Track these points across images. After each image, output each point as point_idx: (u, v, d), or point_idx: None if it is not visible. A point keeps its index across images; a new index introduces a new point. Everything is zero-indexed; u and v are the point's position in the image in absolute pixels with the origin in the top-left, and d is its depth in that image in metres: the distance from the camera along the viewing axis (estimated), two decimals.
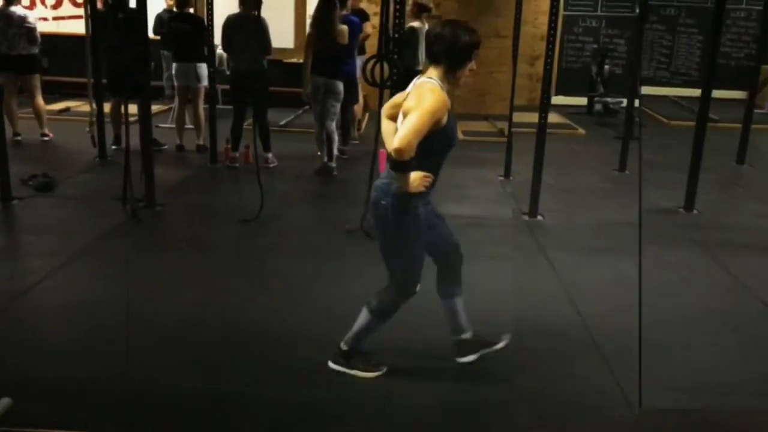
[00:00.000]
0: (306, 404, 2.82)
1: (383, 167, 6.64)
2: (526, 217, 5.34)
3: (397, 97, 2.91)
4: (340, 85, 6.57)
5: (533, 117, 9.59)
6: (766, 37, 6.92)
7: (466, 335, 3.07)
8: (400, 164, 2.62)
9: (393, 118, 2.90)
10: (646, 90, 10.81)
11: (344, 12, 6.90)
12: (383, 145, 3.05)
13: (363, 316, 2.99)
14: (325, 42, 6.44)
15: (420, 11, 7.56)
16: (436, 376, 3.04)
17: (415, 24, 7.53)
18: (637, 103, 6.91)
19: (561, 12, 10.99)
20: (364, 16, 8.31)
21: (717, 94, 10.72)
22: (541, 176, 5.31)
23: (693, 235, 4.79)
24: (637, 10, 10.82)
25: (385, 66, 5.10)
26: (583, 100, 10.65)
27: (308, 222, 5.36)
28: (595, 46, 10.95)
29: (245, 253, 4.59)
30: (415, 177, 2.68)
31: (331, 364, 3.05)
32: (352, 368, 3.01)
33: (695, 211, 5.29)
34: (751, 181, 6.44)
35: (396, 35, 4.97)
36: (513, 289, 4.01)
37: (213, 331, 3.43)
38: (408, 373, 3.04)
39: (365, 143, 7.72)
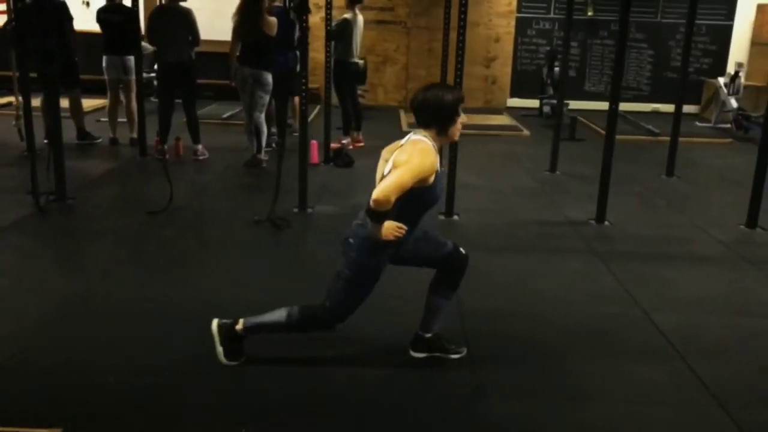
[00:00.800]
0: (178, 392, 2.78)
1: (315, 157, 6.76)
2: (441, 216, 5.31)
3: (395, 144, 2.93)
4: (268, 77, 6.52)
5: (486, 119, 9.77)
6: (689, 52, 6.91)
7: (429, 335, 3.08)
8: (376, 214, 2.68)
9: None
10: (595, 105, 10.83)
11: (276, 3, 6.86)
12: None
13: (277, 315, 2.95)
14: (252, 32, 6.39)
15: (352, 2, 7.52)
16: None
17: (348, 15, 7.49)
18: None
19: (514, 14, 11.11)
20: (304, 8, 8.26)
21: (667, 108, 10.89)
22: (456, 176, 5.27)
23: (596, 245, 4.77)
24: (590, 12, 10.91)
25: None
26: (537, 102, 10.66)
27: (220, 213, 5.29)
28: (549, 48, 10.96)
29: (144, 243, 4.54)
30: (388, 226, 2.72)
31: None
32: (220, 344, 2.95)
33: (606, 223, 5.26)
34: (675, 193, 6.40)
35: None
36: (407, 285, 3.98)
37: (89, 320, 3.37)
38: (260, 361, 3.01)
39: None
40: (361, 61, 9.76)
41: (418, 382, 2.96)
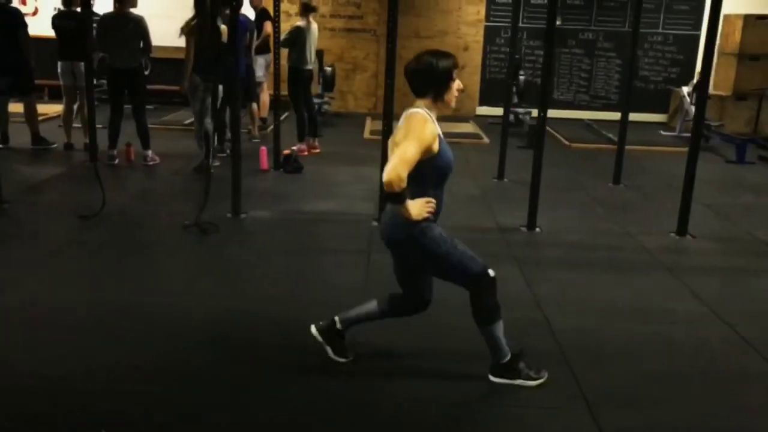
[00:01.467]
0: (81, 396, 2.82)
1: (265, 163, 6.82)
2: (375, 222, 5.35)
3: (396, 129, 2.93)
4: (220, 84, 6.57)
5: (450, 127, 9.81)
6: (635, 60, 6.96)
7: (336, 324, 3.11)
8: (393, 196, 2.69)
9: None
10: (563, 114, 10.90)
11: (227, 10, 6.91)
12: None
13: (484, 331, 2.98)
14: (208, 40, 6.44)
15: (306, 11, 7.60)
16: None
17: (301, 23, 7.56)
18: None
19: (483, 23, 11.18)
20: (265, 16, 8.37)
21: (634, 116, 10.93)
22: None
23: (519, 251, 4.80)
24: (558, 21, 10.97)
25: None
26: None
27: (153, 218, 5.35)
28: (517, 56, 11.01)
29: (67, 247, 4.58)
30: (417, 204, 2.75)
31: (492, 378, 3.04)
32: (515, 379, 3.01)
33: (537, 229, 5.29)
34: (616, 200, 6.42)
35: None
36: (321, 278, 4.15)
37: None
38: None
39: (266, 141, 7.77)
40: (328, 69, 9.88)
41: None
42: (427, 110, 2.81)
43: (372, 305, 3.12)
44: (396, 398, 2.91)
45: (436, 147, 2.76)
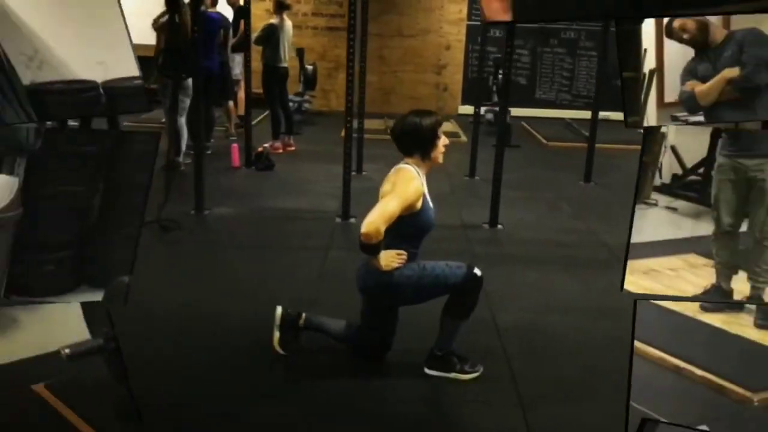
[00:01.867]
0: None
1: (236, 160, 6.83)
2: (338, 219, 5.37)
3: (386, 178, 3.01)
4: (189, 81, 6.58)
5: None
6: (606, 59, 6.97)
7: (300, 319, 3.15)
8: (367, 247, 2.78)
9: None
10: (545, 113, 10.94)
11: (203, 8, 6.92)
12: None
13: (446, 321, 3.02)
14: (177, 37, 6.45)
15: (280, 8, 7.61)
16: None
17: (274, 20, 7.58)
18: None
19: (465, 22, 11.19)
20: (243, 14, 8.35)
21: (617, 116, 10.93)
22: (350, 180, 5.36)
23: (477, 247, 4.82)
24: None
25: None
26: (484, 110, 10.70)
27: None
28: (500, 56, 11.01)
29: None
30: (387, 255, 2.85)
31: (427, 371, 3.05)
32: (449, 372, 3.03)
33: (500, 226, 5.32)
34: (584, 198, 6.43)
35: None
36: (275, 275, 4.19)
37: None
38: None
39: (243, 139, 7.76)
40: (310, 67, 9.88)
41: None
42: (416, 167, 2.91)
43: (340, 325, 3.16)
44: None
45: (419, 205, 2.87)
